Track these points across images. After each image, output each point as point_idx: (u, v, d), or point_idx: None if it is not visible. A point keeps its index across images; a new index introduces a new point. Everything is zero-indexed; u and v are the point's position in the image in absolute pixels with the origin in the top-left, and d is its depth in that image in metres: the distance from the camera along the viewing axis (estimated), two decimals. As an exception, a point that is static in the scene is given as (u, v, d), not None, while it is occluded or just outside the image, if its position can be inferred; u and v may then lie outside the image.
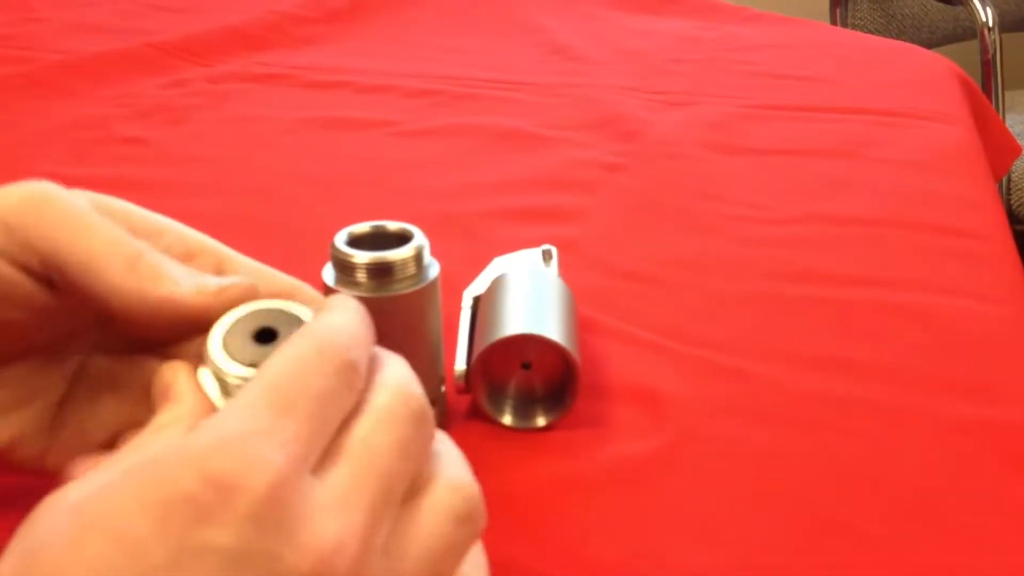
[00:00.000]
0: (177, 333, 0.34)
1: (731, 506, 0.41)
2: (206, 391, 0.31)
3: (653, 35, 1.07)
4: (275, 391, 0.27)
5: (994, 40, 1.57)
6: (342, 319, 0.30)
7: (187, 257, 0.36)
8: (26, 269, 0.33)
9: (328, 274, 0.42)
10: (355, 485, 0.27)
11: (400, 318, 0.42)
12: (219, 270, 0.36)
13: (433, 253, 0.44)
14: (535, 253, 0.54)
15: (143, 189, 0.71)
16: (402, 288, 0.42)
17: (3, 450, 0.37)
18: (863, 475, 0.43)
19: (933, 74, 0.97)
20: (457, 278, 0.52)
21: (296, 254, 0.59)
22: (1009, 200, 1.53)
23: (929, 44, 1.66)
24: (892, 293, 0.57)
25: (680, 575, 0.38)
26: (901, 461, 0.44)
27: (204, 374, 0.31)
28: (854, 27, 1.70)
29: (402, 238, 0.43)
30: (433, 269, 0.43)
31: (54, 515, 0.25)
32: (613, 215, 0.67)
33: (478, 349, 0.45)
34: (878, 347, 0.52)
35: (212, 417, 0.26)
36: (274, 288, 0.36)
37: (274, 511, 0.25)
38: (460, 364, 0.46)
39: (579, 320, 0.50)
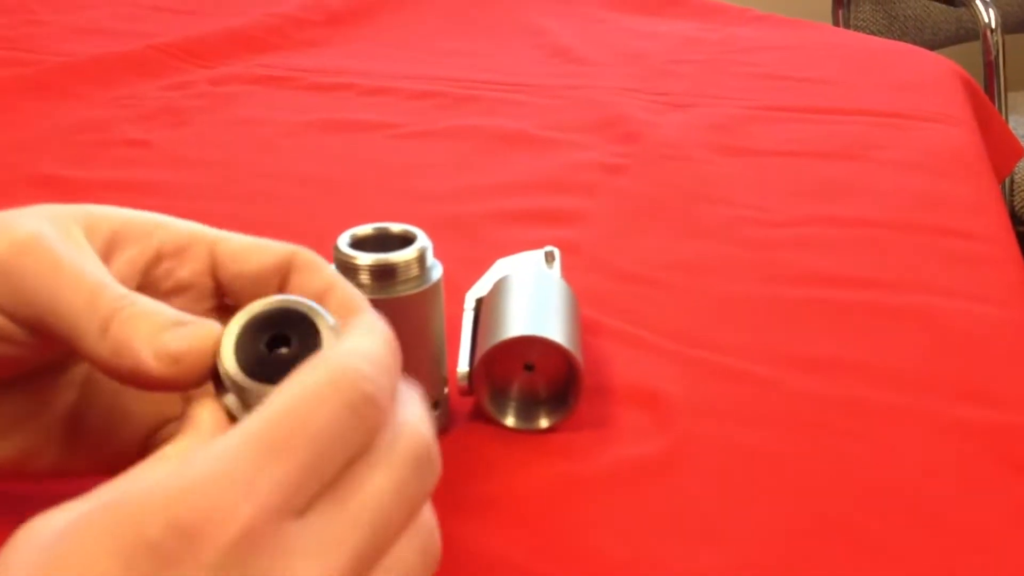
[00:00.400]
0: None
1: (733, 507, 0.41)
2: (228, 406, 0.30)
3: (655, 37, 1.07)
4: (268, 431, 0.26)
5: (997, 41, 1.57)
6: (367, 346, 0.29)
7: (179, 251, 0.35)
8: (14, 318, 0.33)
9: (331, 276, 0.42)
10: (343, 530, 0.26)
11: (403, 320, 0.42)
12: (212, 257, 0.35)
13: (436, 255, 0.43)
14: (538, 255, 0.54)
15: (144, 191, 0.71)
16: (405, 290, 0.42)
17: (13, 464, 0.36)
18: (865, 477, 0.43)
19: (936, 75, 0.97)
20: (460, 280, 0.52)
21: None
22: (1012, 202, 1.53)
23: (932, 45, 1.66)
24: (895, 295, 0.57)
25: (682, 574, 0.38)
26: (903, 463, 0.44)
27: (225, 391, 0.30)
28: (856, 28, 1.70)
29: (405, 240, 0.43)
30: (436, 271, 0.43)
31: (27, 550, 0.25)
32: (615, 217, 0.67)
33: (481, 351, 0.45)
34: (880, 349, 0.52)
35: (193, 456, 0.26)
36: (268, 259, 0.35)
37: (242, 559, 0.24)
38: (463, 366, 0.46)
39: (582, 322, 0.50)
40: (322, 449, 0.26)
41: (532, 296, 0.48)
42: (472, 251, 0.59)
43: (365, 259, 0.41)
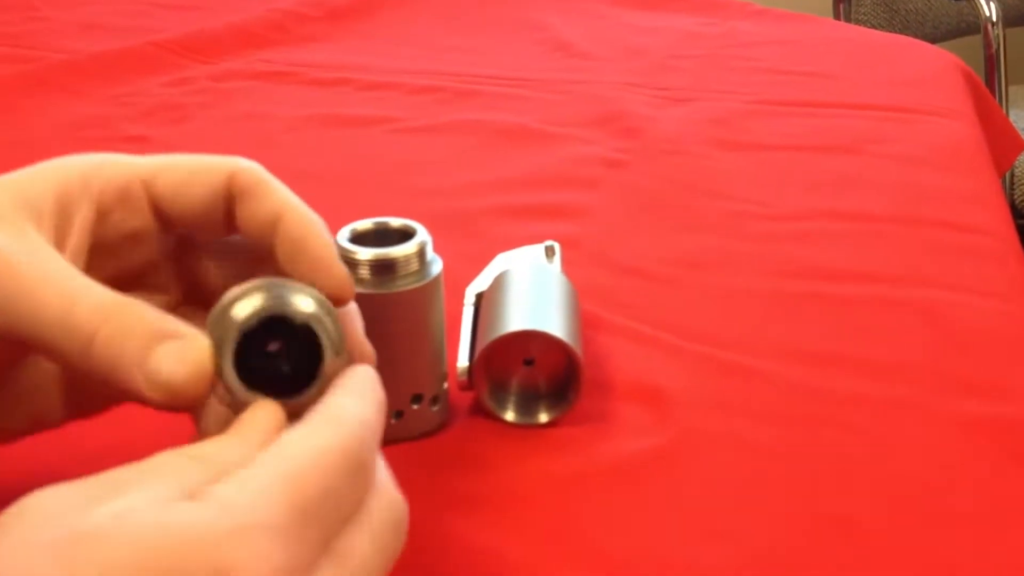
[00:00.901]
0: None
1: (734, 502, 0.41)
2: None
3: (656, 31, 1.07)
4: (297, 489, 0.26)
5: (998, 35, 1.57)
6: (366, 412, 0.29)
7: (121, 199, 0.35)
8: None
9: (331, 271, 0.42)
10: None
11: (403, 315, 0.42)
12: (152, 199, 0.35)
13: (436, 250, 0.44)
14: (538, 249, 0.54)
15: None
16: (405, 285, 0.42)
17: (26, 432, 0.36)
18: (867, 471, 0.43)
19: (937, 69, 0.97)
20: (460, 275, 0.52)
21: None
22: (1012, 195, 1.53)
23: (933, 39, 1.65)
24: (896, 289, 0.57)
25: (683, 571, 0.38)
26: (905, 457, 0.44)
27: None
28: (858, 22, 1.70)
29: (405, 235, 0.43)
30: (436, 266, 0.43)
31: (31, 551, 0.24)
32: (616, 211, 0.67)
33: (481, 345, 0.45)
34: (882, 343, 0.52)
35: (229, 491, 0.26)
36: (208, 191, 0.35)
37: None
38: (463, 360, 0.46)
39: (582, 316, 0.50)
40: (333, 512, 0.27)
41: (532, 291, 0.48)
42: (472, 246, 0.59)
43: (365, 254, 0.41)
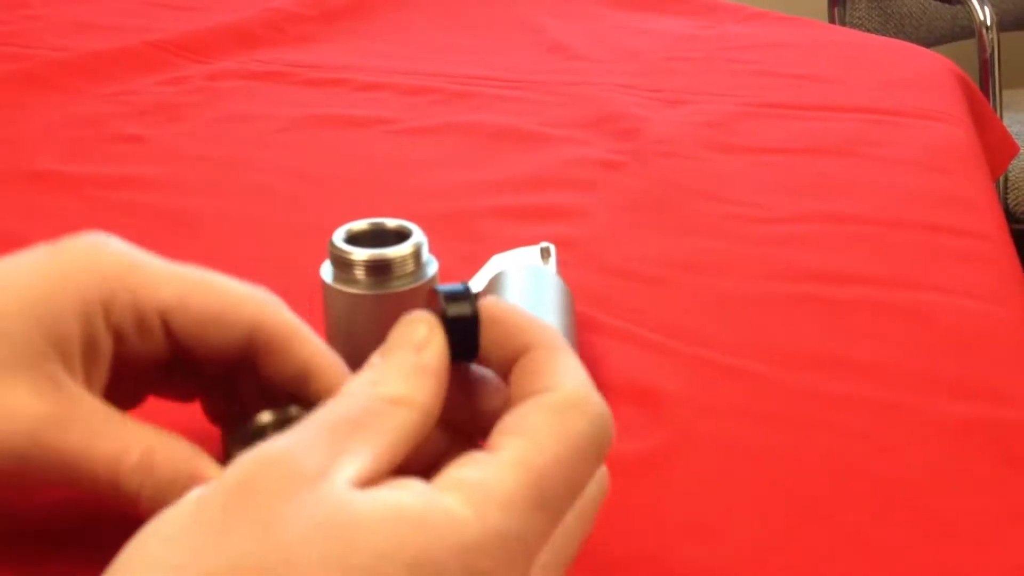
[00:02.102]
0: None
1: (729, 504, 0.41)
2: None
3: (651, 33, 1.07)
4: (537, 485, 0.27)
5: (992, 39, 1.58)
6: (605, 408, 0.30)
7: (138, 326, 0.35)
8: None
9: (326, 271, 0.42)
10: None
11: (399, 315, 0.42)
12: (169, 332, 0.36)
13: (431, 251, 0.43)
14: (533, 251, 0.54)
15: (140, 187, 0.70)
16: (400, 285, 0.42)
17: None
18: (860, 473, 0.43)
19: (931, 73, 0.97)
20: (455, 276, 0.51)
21: (294, 251, 0.59)
22: (1006, 199, 1.53)
23: (927, 43, 1.66)
24: (890, 292, 0.57)
25: (678, 572, 0.38)
26: (898, 459, 0.44)
27: None
28: (852, 26, 1.70)
29: (400, 235, 0.43)
30: (431, 266, 0.43)
31: (304, 525, 0.25)
32: (612, 213, 0.67)
33: (476, 347, 0.45)
34: (876, 346, 0.52)
35: (486, 503, 0.27)
36: (228, 340, 0.35)
37: None
38: (458, 362, 0.45)
39: (577, 318, 0.50)
40: (567, 502, 0.29)
41: (527, 292, 0.48)
42: (468, 247, 0.59)
43: (360, 254, 0.41)
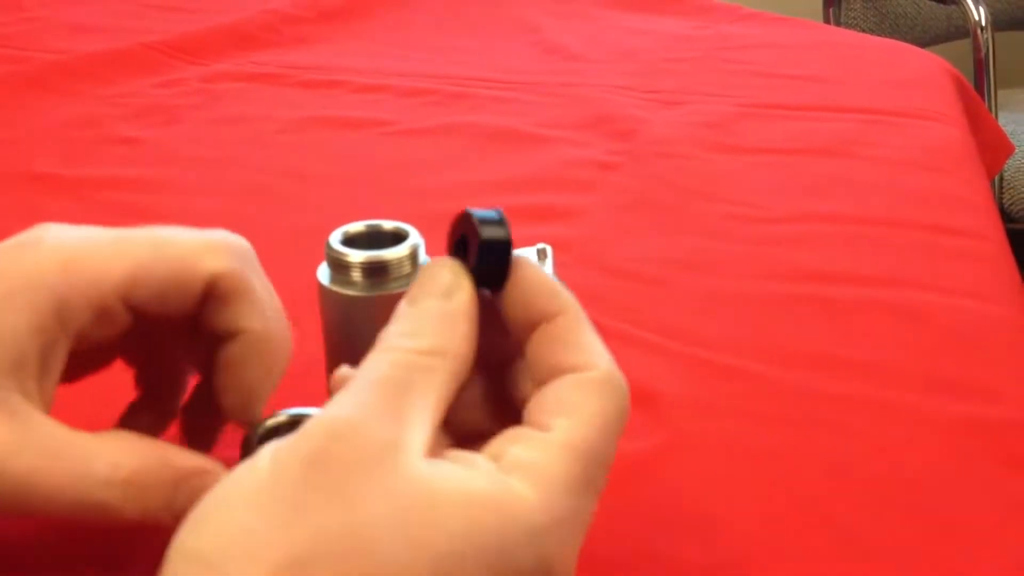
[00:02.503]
0: None
1: (727, 503, 0.41)
2: None
3: (647, 34, 1.07)
4: (586, 466, 0.29)
5: (987, 39, 1.58)
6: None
7: (92, 310, 0.34)
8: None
9: (323, 273, 0.42)
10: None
11: (396, 317, 0.42)
12: (126, 299, 0.35)
13: (429, 252, 0.43)
14: (530, 252, 0.54)
15: (137, 189, 0.70)
16: (397, 287, 0.42)
17: None
18: (858, 473, 0.43)
19: (926, 73, 0.97)
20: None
21: (291, 253, 0.59)
22: (1002, 199, 1.54)
23: (922, 43, 1.66)
24: (887, 291, 0.57)
25: (676, 572, 0.38)
26: (896, 459, 0.44)
27: None
28: (847, 26, 1.70)
29: (397, 237, 0.43)
30: (429, 268, 0.43)
31: (396, 480, 0.26)
32: (608, 214, 0.67)
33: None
34: (873, 345, 0.52)
35: (546, 490, 0.27)
36: (188, 303, 0.35)
37: None
38: (456, 363, 0.45)
39: (574, 319, 0.50)
40: (605, 473, 0.30)
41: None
42: (465, 248, 0.59)
43: (357, 256, 0.41)
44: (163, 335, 0.37)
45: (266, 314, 0.36)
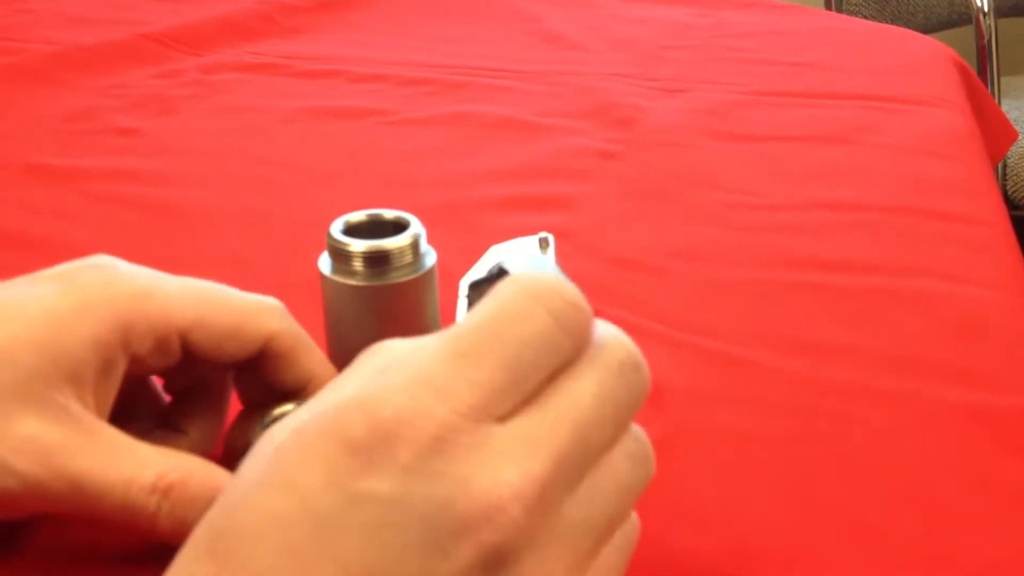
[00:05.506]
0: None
1: (728, 493, 0.41)
2: None
3: (647, 22, 1.07)
4: (463, 340, 0.27)
5: (989, 26, 1.57)
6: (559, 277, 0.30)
7: (156, 346, 0.36)
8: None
9: (324, 263, 0.42)
10: (544, 433, 0.27)
11: (397, 306, 0.42)
12: (184, 346, 0.37)
13: (430, 242, 0.43)
14: (532, 241, 0.54)
15: (135, 180, 0.70)
16: (399, 276, 0.41)
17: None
18: (861, 461, 0.43)
19: (929, 59, 0.97)
20: (454, 266, 0.51)
21: (292, 243, 0.59)
22: (1005, 185, 1.53)
23: (924, 30, 1.65)
24: (890, 279, 0.57)
25: (677, 561, 0.38)
26: (899, 447, 0.43)
27: None
28: (849, 13, 1.70)
29: (398, 226, 0.43)
30: (430, 257, 0.43)
31: (267, 444, 0.27)
32: (609, 202, 0.67)
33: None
34: (876, 333, 0.52)
35: (398, 360, 0.27)
36: (242, 352, 0.37)
37: (437, 459, 0.25)
38: (457, 353, 0.45)
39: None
40: (521, 355, 0.27)
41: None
42: (466, 238, 0.59)
43: (358, 246, 0.41)
44: (202, 373, 0.39)
45: (325, 358, 0.39)
